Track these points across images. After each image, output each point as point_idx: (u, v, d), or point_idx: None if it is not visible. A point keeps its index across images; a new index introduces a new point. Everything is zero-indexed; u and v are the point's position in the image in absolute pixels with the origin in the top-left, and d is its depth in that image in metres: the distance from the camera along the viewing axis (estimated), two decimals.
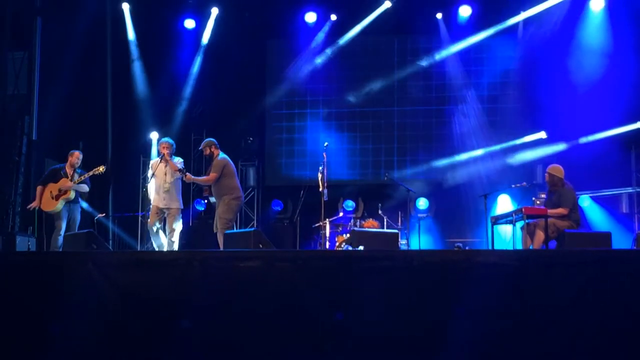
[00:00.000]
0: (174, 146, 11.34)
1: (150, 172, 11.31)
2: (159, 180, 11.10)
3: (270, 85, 16.68)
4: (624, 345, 6.62)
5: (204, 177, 11.37)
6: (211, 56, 16.15)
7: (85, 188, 11.87)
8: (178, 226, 11.18)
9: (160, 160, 11.11)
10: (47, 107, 14.65)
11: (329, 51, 16.14)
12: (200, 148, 11.49)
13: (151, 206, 11.32)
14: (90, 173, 11.68)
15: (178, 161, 11.26)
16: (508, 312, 6.79)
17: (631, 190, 14.23)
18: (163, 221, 11.21)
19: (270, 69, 16.79)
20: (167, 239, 11.15)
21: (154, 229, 11.12)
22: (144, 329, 7.11)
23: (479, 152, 15.31)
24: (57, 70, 14.54)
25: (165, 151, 11.10)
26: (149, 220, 11.29)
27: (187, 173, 11.25)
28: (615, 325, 6.67)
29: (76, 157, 11.90)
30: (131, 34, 15.78)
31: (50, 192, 11.65)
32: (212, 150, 11.27)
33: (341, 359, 6.86)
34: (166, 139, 11.44)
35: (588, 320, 6.71)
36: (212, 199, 11.59)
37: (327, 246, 12.53)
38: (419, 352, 6.79)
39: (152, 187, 11.32)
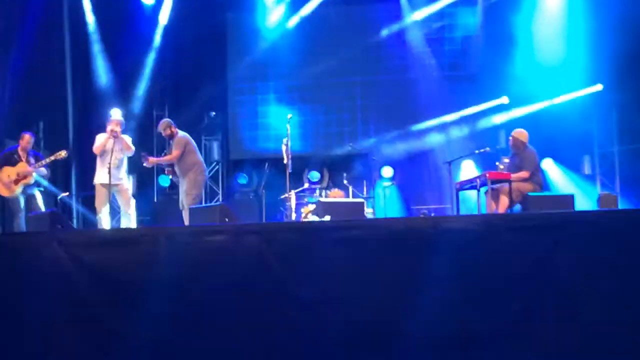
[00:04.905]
0: (124, 124, 11.38)
1: (98, 150, 11.21)
2: (108, 157, 11.02)
3: (232, 59, 16.61)
4: (589, 305, 6.70)
5: (167, 157, 11.39)
6: (171, 31, 16.01)
7: (44, 171, 11.77)
8: (132, 199, 11.29)
9: (113, 138, 11.07)
10: (4, 87, 14.42)
11: (290, 23, 16.07)
12: (158, 130, 11.51)
13: (96, 187, 11.24)
14: (52, 158, 11.56)
15: (128, 140, 11.29)
16: (475, 276, 6.84)
17: (593, 152, 14.42)
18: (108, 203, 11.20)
19: (232, 43, 16.69)
20: (124, 213, 11.25)
21: (103, 211, 11.05)
22: (111, 307, 7.08)
23: (442, 119, 15.36)
24: (12, 49, 14.30)
25: (118, 128, 11.10)
26: (96, 203, 11.21)
27: (149, 156, 11.28)
28: (580, 285, 6.75)
29: (27, 140, 11.79)
30: (89, 10, 15.57)
31: (9, 176, 11.52)
32: (172, 130, 11.33)
33: (311, 331, 6.88)
34: (117, 116, 11.47)
35: (554, 282, 6.78)
36: (175, 179, 11.58)
37: (294, 218, 12.53)
38: (387, 320, 6.83)
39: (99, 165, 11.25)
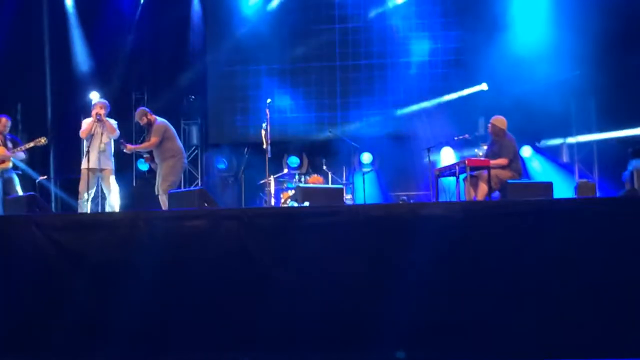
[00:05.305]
0: (109, 107, 11.27)
1: (84, 134, 11.12)
2: (94, 142, 10.96)
3: (212, 42, 16.49)
4: (567, 291, 6.76)
5: (145, 144, 11.30)
6: (150, 13, 15.89)
7: (22, 156, 11.71)
8: (115, 186, 11.18)
9: (97, 122, 10.98)
10: None
11: (270, 6, 16.00)
12: (136, 120, 11.46)
13: (81, 171, 11.14)
14: (32, 144, 11.49)
15: (113, 123, 11.21)
16: (453, 263, 6.88)
17: (571, 140, 14.49)
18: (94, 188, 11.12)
19: (211, 26, 16.58)
20: (108, 200, 11.14)
21: (86, 196, 10.97)
22: (90, 290, 7.07)
23: (421, 105, 15.35)
24: None
25: (102, 112, 11.01)
26: (80, 187, 11.12)
27: (127, 144, 11.22)
28: (558, 272, 6.81)
29: (3, 124, 11.70)
30: None
31: None
32: (148, 117, 11.27)
33: (290, 315, 6.90)
34: (101, 99, 11.38)
35: (530, 268, 6.83)
36: (153, 165, 11.52)
37: (273, 203, 12.53)
38: (365, 305, 6.85)
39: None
